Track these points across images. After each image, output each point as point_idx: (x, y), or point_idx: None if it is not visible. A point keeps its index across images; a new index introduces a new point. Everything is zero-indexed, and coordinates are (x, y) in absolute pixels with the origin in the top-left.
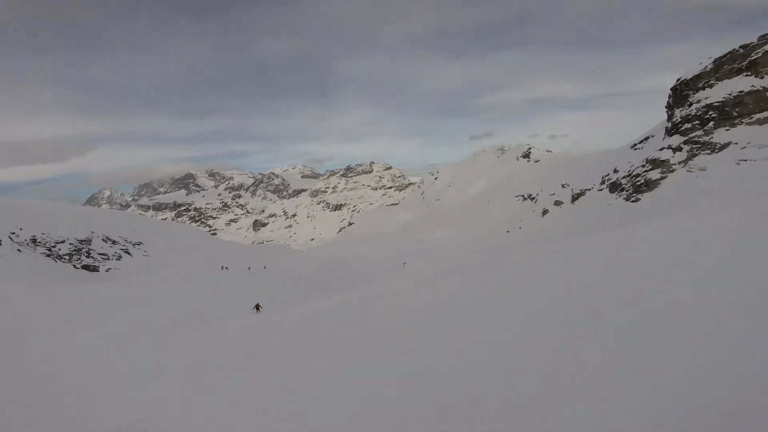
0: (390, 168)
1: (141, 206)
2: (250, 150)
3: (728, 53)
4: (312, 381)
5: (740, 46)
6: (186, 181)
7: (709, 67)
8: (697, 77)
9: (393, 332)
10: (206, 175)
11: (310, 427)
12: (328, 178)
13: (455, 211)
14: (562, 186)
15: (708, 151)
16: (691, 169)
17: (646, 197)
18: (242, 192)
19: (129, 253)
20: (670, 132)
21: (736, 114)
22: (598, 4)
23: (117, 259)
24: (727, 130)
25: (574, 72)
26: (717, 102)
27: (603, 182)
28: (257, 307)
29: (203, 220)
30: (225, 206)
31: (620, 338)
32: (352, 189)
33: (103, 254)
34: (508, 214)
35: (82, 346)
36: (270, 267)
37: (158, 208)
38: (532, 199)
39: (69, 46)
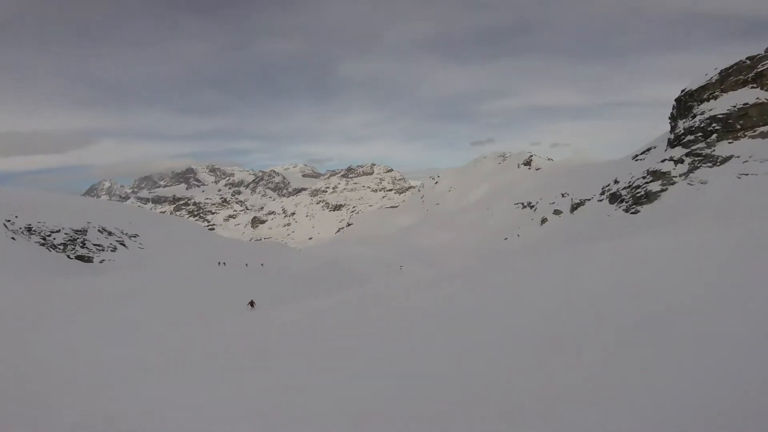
0: (391, 170)
1: (140, 199)
2: (251, 148)
3: (735, 65)
4: (307, 381)
5: (747, 58)
6: (186, 176)
7: (715, 78)
8: (702, 88)
9: (391, 333)
10: (207, 171)
11: (304, 429)
12: (328, 178)
13: (454, 216)
14: (562, 195)
15: (710, 164)
16: (692, 182)
17: (645, 209)
18: (242, 188)
19: (124, 245)
20: (672, 143)
21: (739, 126)
22: (602, 13)
23: (112, 251)
24: (729, 143)
25: (577, 80)
26: (721, 114)
27: (603, 193)
28: (251, 304)
29: (202, 214)
30: (224, 202)
31: (619, 341)
32: (352, 190)
33: (98, 245)
34: (506, 221)
35: (66, 342)
36: (267, 265)
37: (157, 201)
38: (532, 207)
39: (74, 41)
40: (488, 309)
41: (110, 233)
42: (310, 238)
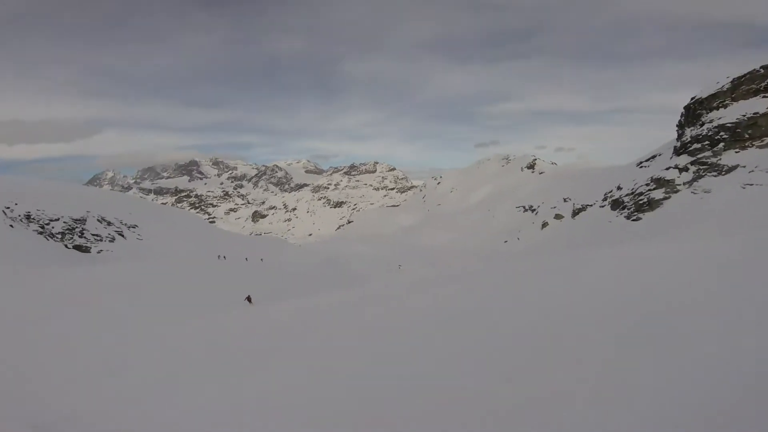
0: (393, 169)
1: (142, 189)
2: (255, 142)
3: (747, 73)
4: (301, 382)
5: (761, 67)
6: (189, 168)
7: (727, 86)
8: (713, 96)
9: (387, 333)
10: (210, 164)
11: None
12: (331, 174)
13: (455, 216)
14: (564, 200)
15: (714, 173)
16: (696, 191)
17: (647, 217)
18: (244, 182)
19: (123, 236)
20: (678, 151)
21: (748, 136)
22: (610, 18)
23: (110, 241)
24: (736, 152)
25: (584, 85)
26: (730, 123)
27: (605, 199)
28: (248, 299)
29: (203, 207)
30: (226, 195)
31: (618, 343)
32: (354, 187)
33: (97, 235)
34: (507, 223)
35: (52, 334)
36: (266, 260)
37: (159, 192)
38: (533, 210)
39: (82, 31)
40: (487, 310)
41: (109, 223)
42: (310, 235)
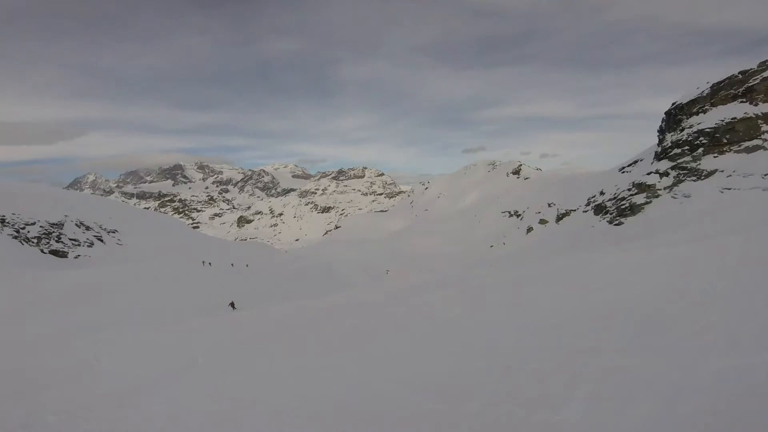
0: (382, 174)
1: (125, 193)
2: (244, 145)
3: (726, 79)
4: (279, 389)
5: (739, 72)
6: (174, 172)
7: (706, 92)
8: (693, 102)
9: (365, 345)
10: (195, 168)
11: None
12: (318, 179)
13: (443, 222)
14: (549, 205)
15: (694, 178)
16: (676, 195)
17: (629, 221)
18: (230, 187)
19: (102, 241)
20: (659, 156)
21: (726, 141)
22: (600, 25)
23: (88, 246)
24: (715, 157)
25: (571, 92)
26: (709, 128)
27: (588, 204)
28: (232, 305)
29: (187, 212)
30: (211, 200)
31: (606, 349)
32: (342, 192)
33: (74, 240)
34: (493, 229)
35: (20, 340)
36: (251, 265)
37: (142, 196)
38: (518, 216)
39: (69, 32)
40: (465, 321)
41: (88, 228)
42: (297, 240)
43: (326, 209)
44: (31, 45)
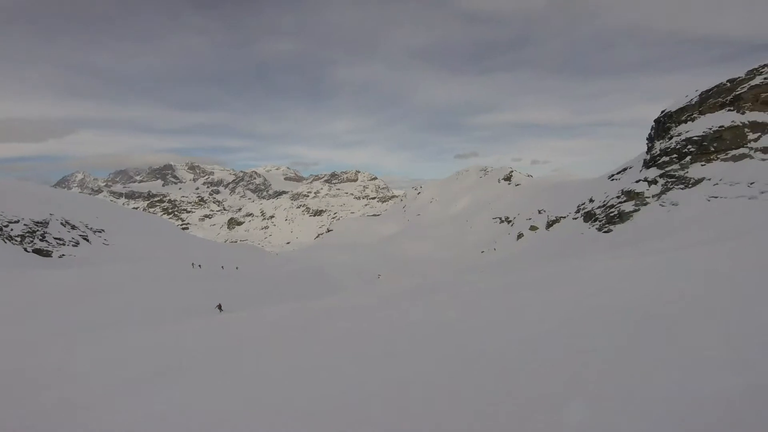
0: (375, 178)
1: (113, 193)
2: (236, 146)
3: (715, 87)
4: (268, 391)
5: (728, 80)
6: (164, 172)
7: (695, 100)
8: (682, 110)
9: (371, 341)
10: (186, 168)
11: None
12: (311, 182)
13: (434, 227)
14: (539, 212)
15: (682, 186)
16: (664, 203)
17: (618, 229)
18: (221, 188)
19: (88, 240)
20: (647, 164)
21: (713, 149)
22: (593, 33)
23: (74, 246)
24: (702, 165)
25: (563, 99)
26: (697, 136)
27: (578, 211)
28: (219, 307)
29: (176, 213)
30: (201, 201)
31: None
32: (334, 196)
33: (59, 239)
34: (484, 234)
35: None
36: (241, 267)
37: (131, 196)
38: (509, 222)
39: (64, 31)
40: (455, 328)
41: (74, 227)
42: (288, 243)
43: (318, 212)
44: (26, 43)
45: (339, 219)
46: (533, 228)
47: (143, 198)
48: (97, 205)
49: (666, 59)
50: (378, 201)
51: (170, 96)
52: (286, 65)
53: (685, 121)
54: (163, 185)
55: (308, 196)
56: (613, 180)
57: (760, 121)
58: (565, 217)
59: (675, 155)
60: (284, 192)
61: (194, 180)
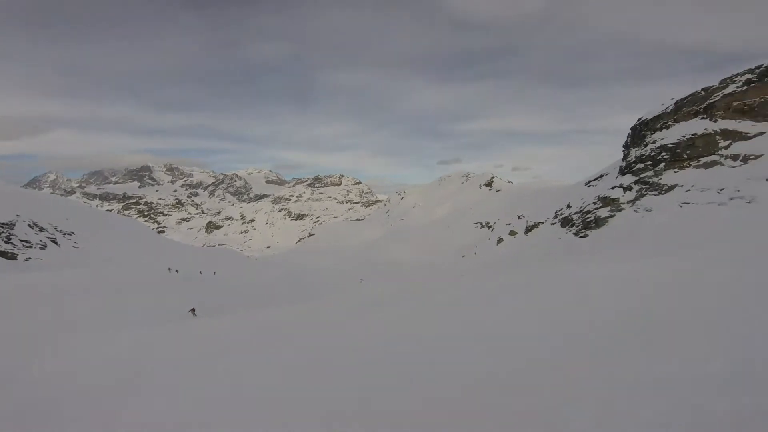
0: (359, 183)
1: (87, 194)
2: (218, 148)
3: (690, 95)
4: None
5: (702, 89)
6: (141, 173)
7: (670, 108)
8: (657, 118)
9: (356, 346)
10: (164, 170)
11: None
12: (293, 186)
13: (417, 232)
14: (518, 217)
15: (655, 192)
16: (638, 209)
17: (593, 234)
18: (200, 191)
19: (56, 243)
20: (623, 171)
21: (686, 156)
22: (577, 43)
23: (41, 248)
24: (675, 172)
25: (544, 107)
26: (671, 144)
27: (556, 216)
28: (192, 311)
29: (153, 215)
30: (179, 203)
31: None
32: (317, 200)
33: (26, 241)
34: (466, 239)
35: None
36: (218, 272)
37: (105, 198)
38: (490, 227)
39: (41, 28)
40: (432, 339)
41: (42, 229)
42: (269, 247)
43: (300, 216)
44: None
45: (321, 223)
46: (513, 233)
47: (118, 200)
48: (67, 206)
49: (646, 69)
50: (362, 205)
51: (150, 96)
52: (273, 68)
53: (660, 129)
54: (139, 187)
55: (290, 199)
56: (589, 186)
57: (731, 129)
58: (543, 223)
59: (649, 162)
60: (266, 195)
61: (172, 182)
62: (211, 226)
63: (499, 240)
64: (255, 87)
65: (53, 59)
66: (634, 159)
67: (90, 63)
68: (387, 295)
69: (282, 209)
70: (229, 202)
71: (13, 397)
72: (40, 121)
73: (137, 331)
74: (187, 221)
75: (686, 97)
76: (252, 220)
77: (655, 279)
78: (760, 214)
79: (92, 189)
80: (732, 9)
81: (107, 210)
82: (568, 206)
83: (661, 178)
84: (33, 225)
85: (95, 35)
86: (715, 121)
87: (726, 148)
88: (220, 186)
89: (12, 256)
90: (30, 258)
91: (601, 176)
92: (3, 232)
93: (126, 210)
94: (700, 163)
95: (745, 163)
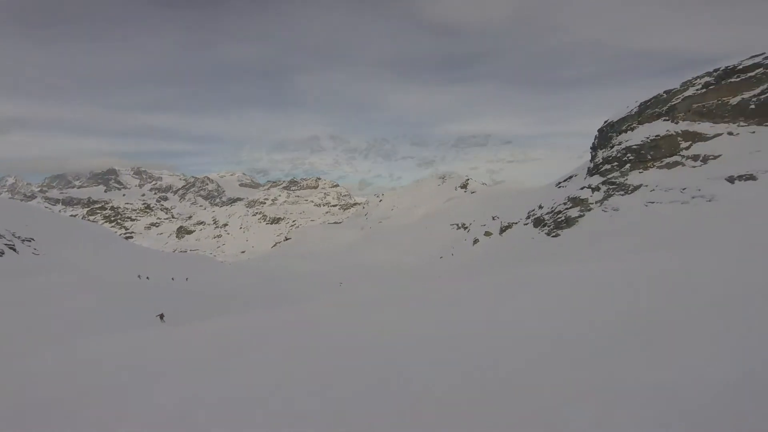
0: (337, 186)
1: (49, 199)
2: (189, 150)
3: (653, 98)
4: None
5: (664, 92)
6: (107, 177)
7: (634, 110)
8: (623, 120)
9: (336, 352)
10: (131, 173)
11: None
12: (268, 189)
13: (395, 234)
14: (493, 218)
15: (622, 192)
16: (606, 209)
17: (565, 233)
18: (170, 194)
19: (14, 250)
20: (591, 172)
21: (650, 157)
22: (552, 47)
23: None
24: (640, 172)
25: (521, 110)
26: (635, 145)
27: (529, 217)
28: (161, 317)
29: (120, 221)
30: (147, 208)
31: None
32: (293, 203)
33: None
34: (443, 240)
35: None
36: (190, 278)
37: (69, 203)
38: (466, 228)
39: None
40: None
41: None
42: (243, 252)
43: (276, 220)
44: None
45: (298, 227)
46: (488, 234)
47: (82, 205)
48: (27, 211)
49: (616, 72)
50: (339, 208)
51: (116, 96)
52: (248, 69)
53: (626, 131)
54: (105, 191)
55: (265, 203)
56: (560, 187)
57: (692, 130)
58: (516, 223)
59: (616, 163)
60: (239, 199)
61: (140, 186)
62: (182, 231)
63: (475, 240)
64: (228, 89)
65: (8, 56)
66: (601, 160)
67: (51, 61)
68: (368, 298)
69: (257, 213)
70: (200, 206)
71: None
72: None
73: (98, 340)
74: (157, 226)
75: (650, 100)
76: (225, 225)
77: (636, 277)
78: (720, 212)
79: (54, 193)
80: (695, 13)
81: (71, 215)
82: (540, 207)
83: (627, 179)
84: None
85: (57, 33)
86: (677, 123)
87: (687, 149)
88: (191, 189)
89: None
90: None
91: (571, 177)
92: None
93: (91, 215)
94: (663, 163)
95: (705, 164)
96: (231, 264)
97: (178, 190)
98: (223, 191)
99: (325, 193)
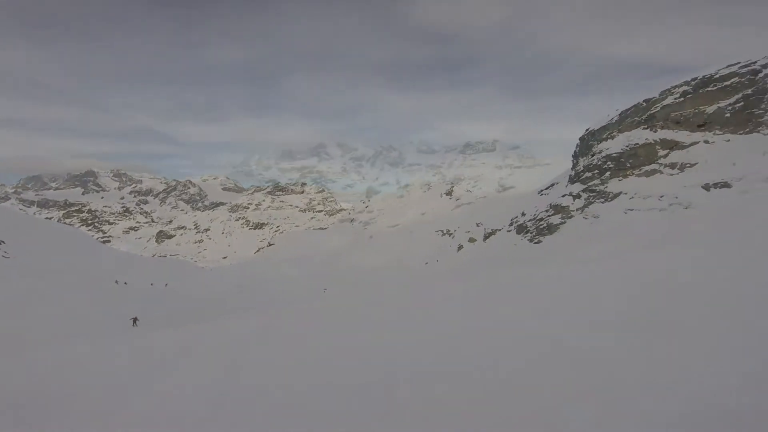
0: (322, 191)
1: (23, 201)
2: (170, 153)
3: (633, 106)
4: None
5: (644, 100)
6: (85, 179)
7: (615, 118)
8: (603, 128)
9: (322, 358)
10: (111, 175)
11: None
12: (252, 193)
13: (381, 240)
14: (477, 225)
15: (602, 200)
16: (587, 216)
17: (547, 240)
18: (150, 198)
19: None
20: (572, 180)
21: (629, 165)
22: (535, 55)
23: None
24: (619, 180)
25: (505, 117)
26: (615, 153)
27: (512, 224)
28: (134, 320)
29: (97, 224)
30: (126, 211)
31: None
32: (278, 208)
33: None
34: (428, 247)
35: None
36: (169, 284)
37: (44, 205)
38: (450, 234)
39: None
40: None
41: None
42: (225, 257)
43: (259, 225)
44: None
45: (282, 232)
46: (472, 240)
47: (58, 207)
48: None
49: (599, 80)
50: (325, 214)
51: (96, 96)
52: (235, 72)
53: (606, 139)
54: (83, 193)
55: (248, 208)
56: (542, 195)
57: (669, 138)
58: (500, 230)
59: (596, 171)
60: (222, 203)
61: (120, 188)
62: (162, 236)
63: (460, 247)
64: (213, 91)
65: None
66: (582, 168)
67: (32, 58)
68: (354, 303)
69: (240, 218)
70: (182, 210)
71: None
72: None
73: (67, 347)
74: (136, 230)
75: (629, 108)
76: (207, 230)
77: (629, 278)
78: (697, 219)
79: (29, 195)
80: (681, 24)
81: (46, 218)
82: (523, 214)
83: (607, 186)
84: None
85: (36, 31)
86: (656, 131)
87: (665, 157)
88: (173, 193)
89: None
90: None
91: (553, 185)
92: None
93: (67, 218)
94: (642, 171)
95: (682, 171)
96: (211, 269)
97: (159, 193)
98: (206, 195)
99: (310, 198)
